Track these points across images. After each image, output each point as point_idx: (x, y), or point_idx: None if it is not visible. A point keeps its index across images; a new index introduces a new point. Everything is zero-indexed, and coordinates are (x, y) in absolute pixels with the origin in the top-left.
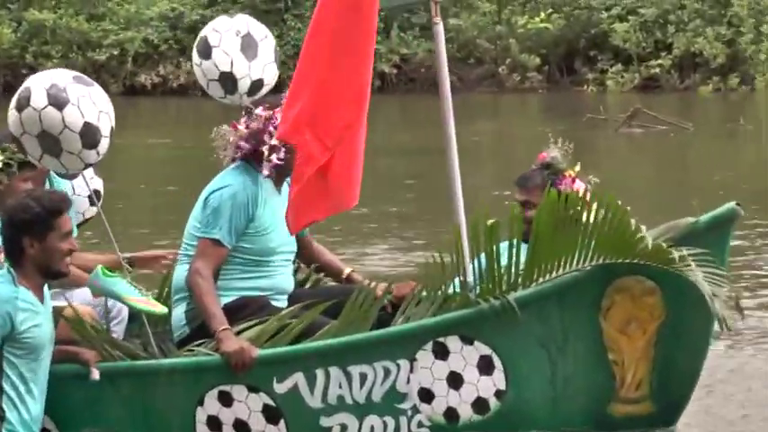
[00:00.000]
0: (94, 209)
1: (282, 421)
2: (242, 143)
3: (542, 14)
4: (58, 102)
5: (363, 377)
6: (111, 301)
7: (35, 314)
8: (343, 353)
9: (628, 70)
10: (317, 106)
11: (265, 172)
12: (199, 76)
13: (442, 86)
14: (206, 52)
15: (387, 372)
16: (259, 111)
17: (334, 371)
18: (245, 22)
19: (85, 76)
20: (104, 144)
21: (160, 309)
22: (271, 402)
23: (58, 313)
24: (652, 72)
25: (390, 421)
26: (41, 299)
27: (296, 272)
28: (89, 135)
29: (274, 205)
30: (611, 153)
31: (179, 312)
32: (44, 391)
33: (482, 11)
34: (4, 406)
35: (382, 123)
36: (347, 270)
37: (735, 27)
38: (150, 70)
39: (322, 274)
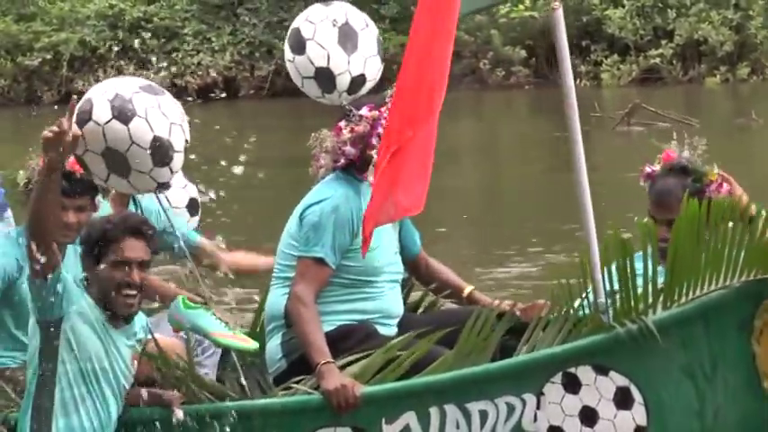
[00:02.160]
0: (197, 219)
1: None
2: (347, 148)
3: (527, 1)
4: (123, 114)
5: (484, 415)
6: None
7: (92, 328)
8: (461, 388)
9: (625, 61)
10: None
11: (371, 179)
12: (292, 74)
13: (565, 81)
14: (299, 46)
15: (511, 408)
16: (363, 111)
17: (451, 409)
18: (342, 11)
19: (154, 84)
20: (178, 160)
21: (251, 344)
22: None
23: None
24: (652, 63)
25: None
26: (116, 326)
27: (408, 293)
28: (160, 151)
29: None
30: (609, 154)
31: (274, 344)
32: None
33: None
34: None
35: None
36: (468, 288)
37: (743, 10)
38: (88, 75)
39: (439, 296)
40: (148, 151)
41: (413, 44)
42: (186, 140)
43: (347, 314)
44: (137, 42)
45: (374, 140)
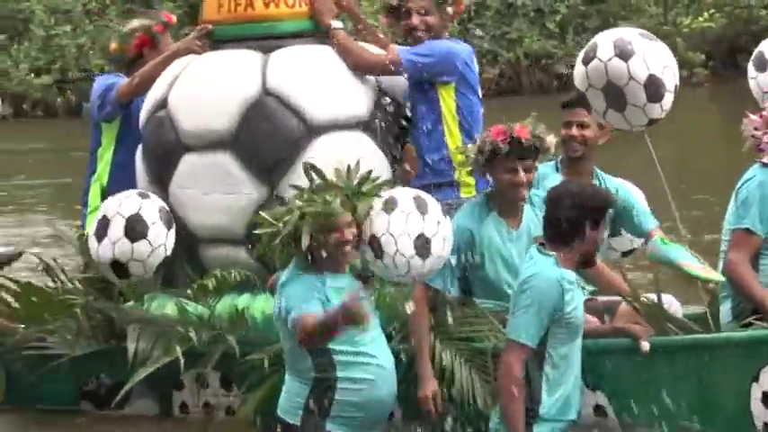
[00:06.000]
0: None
1: None
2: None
3: (705, 14)
4: (623, 53)
5: None
6: None
7: (575, 295)
8: None
9: None
10: None
11: None
12: (753, 89)
13: None
14: (761, 66)
15: None
16: None
17: None
18: None
19: (650, 33)
20: (668, 100)
21: (716, 276)
22: None
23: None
24: None
25: None
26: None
27: None
28: (653, 88)
29: None
30: None
31: (725, 309)
32: (579, 370)
33: (649, 14)
34: (544, 392)
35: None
36: None
37: None
38: None
39: None
40: (643, 87)
41: None
42: (676, 85)
43: None
44: None
45: None
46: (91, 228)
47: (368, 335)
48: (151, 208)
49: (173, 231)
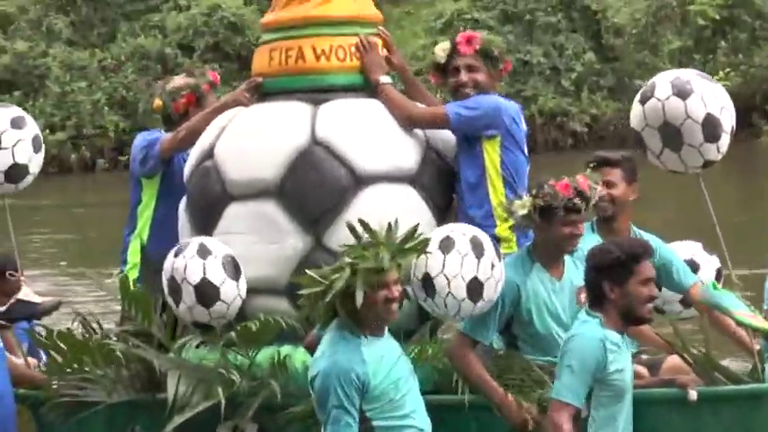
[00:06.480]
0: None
1: None
2: None
3: (721, 73)
4: (682, 92)
5: None
6: None
7: (620, 357)
8: None
9: None
10: None
11: None
12: None
13: None
14: None
15: None
16: None
17: None
18: None
19: (708, 75)
20: (724, 141)
21: (767, 325)
22: None
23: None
24: None
25: None
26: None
27: None
28: (710, 127)
29: None
30: None
31: None
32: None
33: None
34: None
35: None
36: None
37: None
38: None
39: None
40: (701, 126)
41: None
42: (732, 126)
43: None
44: None
45: None
46: (164, 286)
47: (407, 397)
48: (215, 266)
49: (242, 278)
